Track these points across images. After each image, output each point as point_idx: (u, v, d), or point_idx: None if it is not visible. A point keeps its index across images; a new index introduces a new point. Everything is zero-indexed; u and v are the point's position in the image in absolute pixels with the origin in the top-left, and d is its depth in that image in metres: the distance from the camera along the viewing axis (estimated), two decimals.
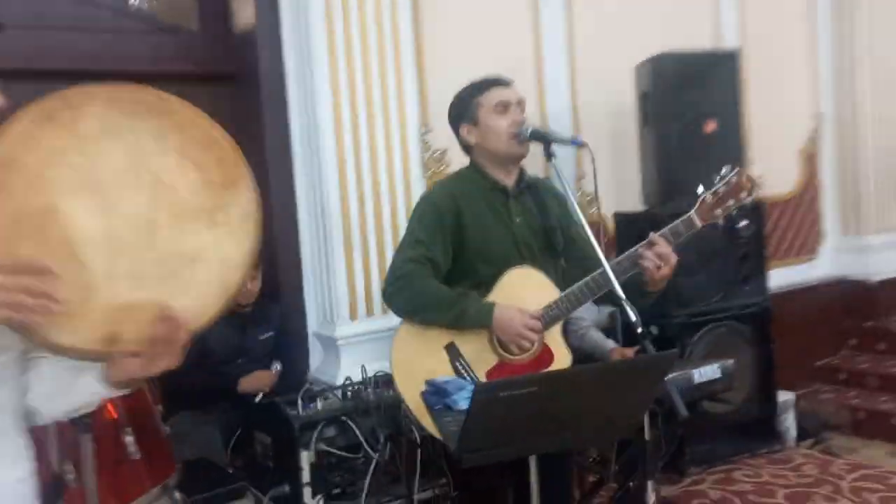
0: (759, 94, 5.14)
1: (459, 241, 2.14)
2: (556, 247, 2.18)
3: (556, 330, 2.08)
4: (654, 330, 1.74)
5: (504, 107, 2.18)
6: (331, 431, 2.61)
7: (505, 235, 2.17)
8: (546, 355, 2.06)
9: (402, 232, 3.51)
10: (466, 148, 2.26)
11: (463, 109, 2.23)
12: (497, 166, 2.23)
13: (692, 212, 2.07)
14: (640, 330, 1.85)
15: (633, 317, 1.87)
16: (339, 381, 3.42)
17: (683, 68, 3.82)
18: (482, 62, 4.16)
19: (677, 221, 2.09)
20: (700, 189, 2.10)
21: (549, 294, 2.08)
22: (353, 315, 3.56)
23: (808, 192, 5.53)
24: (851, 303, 5.59)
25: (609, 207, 4.21)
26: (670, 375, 2.90)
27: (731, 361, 3.05)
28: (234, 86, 3.72)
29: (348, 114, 3.52)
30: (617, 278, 2.02)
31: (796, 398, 4.51)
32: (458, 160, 3.81)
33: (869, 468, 3.78)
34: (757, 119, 5.13)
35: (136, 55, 3.46)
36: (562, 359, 2.07)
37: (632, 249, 2.07)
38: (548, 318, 2.08)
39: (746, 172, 2.07)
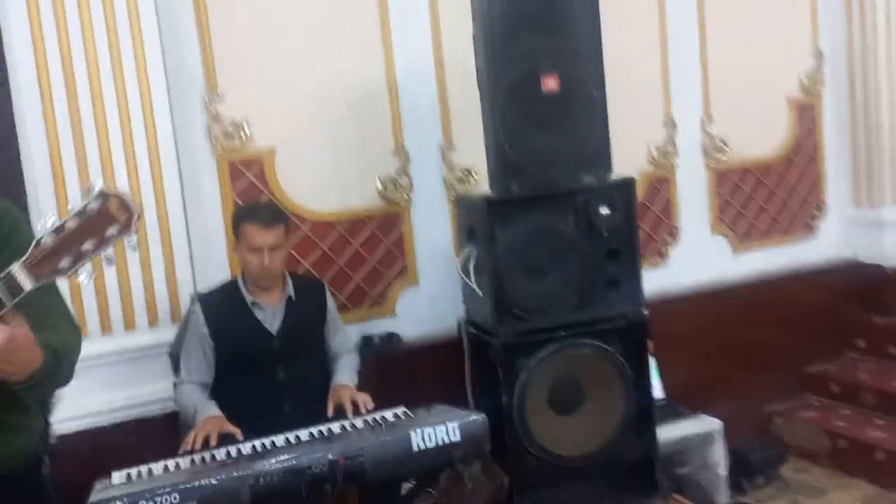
0: (725, 27, 3.93)
1: None
2: None
3: None
4: None
5: None
6: None
7: None
8: None
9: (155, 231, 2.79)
10: None
11: None
12: None
13: (16, 265, 1.20)
14: None
15: None
16: None
17: (518, 4, 2.77)
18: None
19: None
20: (41, 225, 1.22)
21: None
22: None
23: (802, 153, 4.27)
24: (861, 293, 4.31)
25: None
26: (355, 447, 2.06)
27: (478, 418, 2.13)
28: None
29: (60, 86, 2.77)
30: None
31: (725, 427, 3.42)
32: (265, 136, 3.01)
33: None
34: (721, 59, 3.94)
35: None
36: None
37: None
38: None
39: (116, 194, 1.17)
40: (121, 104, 2.85)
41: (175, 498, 1.92)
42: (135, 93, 2.86)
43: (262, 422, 2.45)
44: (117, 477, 2.11)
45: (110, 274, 2.88)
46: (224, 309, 2.53)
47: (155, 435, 2.82)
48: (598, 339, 2.91)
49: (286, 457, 2.05)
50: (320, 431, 2.25)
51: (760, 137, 4.15)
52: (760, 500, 3.52)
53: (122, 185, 2.88)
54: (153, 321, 2.93)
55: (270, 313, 2.55)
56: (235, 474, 1.99)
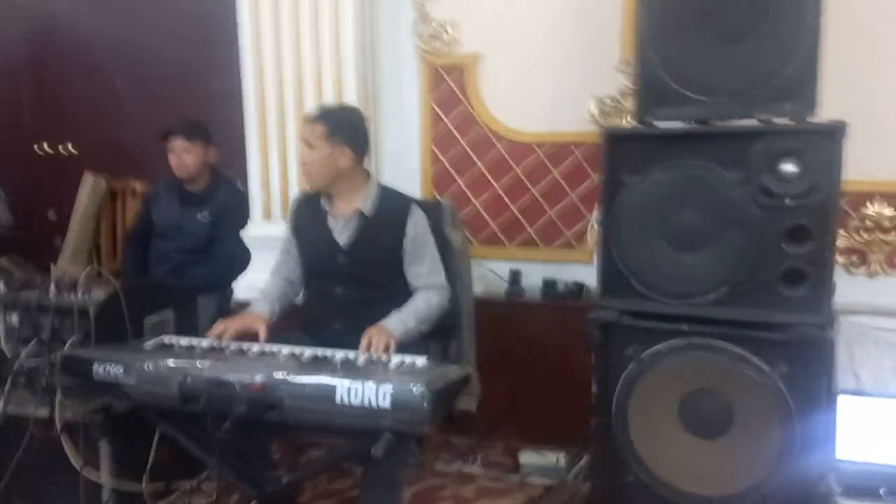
0: None
1: None
2: None
3: None
4: None
5: None
6: None
7: None
8: None
9: None
10: None
11: None
12: None
13: None
14: None
15: None
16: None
17: None
18: None
19: None
20: None
21: None
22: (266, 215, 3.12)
23: None
24: None
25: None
26: None
27: (418, 391, 1.76)
28: None
29: None
30: None
31: None
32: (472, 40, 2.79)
33: None
34: None
35: None
36: None
37: None
38: None
39: None
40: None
41: (119, 369, 1.98)
42: None
43: (316, 332, 2.35)
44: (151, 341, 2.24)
45: (293, 170, 3.00)
46: (307, 211, 2.42)
47: None
48: (753, 351, 2.00)
49: (228, 366, 1.93)
50: (322, 356, 2.05)
51: None
52: None
53: (306, 77, 2.93)
54: None
55: (342, 224, 2.36)
56: (174, 365, 1.95)
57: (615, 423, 2.16)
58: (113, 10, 3.64)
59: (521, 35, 2.83)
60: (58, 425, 2.33)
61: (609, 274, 2.14)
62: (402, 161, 3.02)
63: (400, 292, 2.33)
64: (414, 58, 2.95)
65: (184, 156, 3.11)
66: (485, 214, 2.97)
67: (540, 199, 2.91)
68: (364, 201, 2.32)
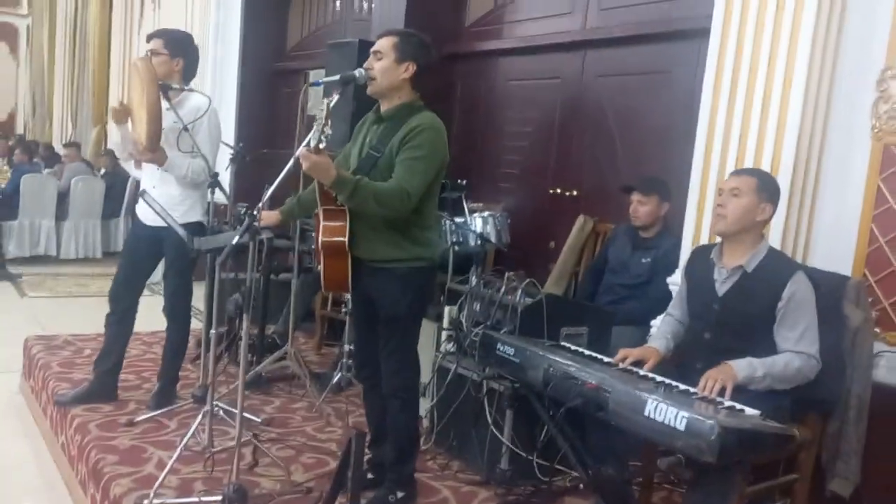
0: None
1: None
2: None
3: None
4: None
5: None
6: None
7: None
8: None
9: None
10: None
11: None
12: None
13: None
14: None
15: None
16: None
17: None
18: None
19: None
20: None
21: None
22: None
23: None
24: None
25: None
26: None
27: (711, 424, 2.03)
28: None
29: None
30: None
31: None
32: None
33: None
34: None
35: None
36: None
37: None
38: None
39: None
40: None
41: (512, 350, 2.58)
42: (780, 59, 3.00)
43: (682, 368, 2.61)
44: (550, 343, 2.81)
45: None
46: (700, 260, 2.61)
47: None
48: None
49: (581, 368, 2.36)
50: (664, 383, 2.34)
51: None
52: None
53: (749, 144, 3.13)
54: None
55: (724, 276, 2.52)
56: (546, 355, 2.46)
57: None
58: (621, 87, 4.31)
59: None
60: (484, 388, 3.03)
61: None
62: (835, 236, 2.97)
63: (764, 349, 2.40)
64: (866, 136, 2.90)
65: (638, 207, 3.60)
66: None
67: None
68: (749, 259, 2.46)
